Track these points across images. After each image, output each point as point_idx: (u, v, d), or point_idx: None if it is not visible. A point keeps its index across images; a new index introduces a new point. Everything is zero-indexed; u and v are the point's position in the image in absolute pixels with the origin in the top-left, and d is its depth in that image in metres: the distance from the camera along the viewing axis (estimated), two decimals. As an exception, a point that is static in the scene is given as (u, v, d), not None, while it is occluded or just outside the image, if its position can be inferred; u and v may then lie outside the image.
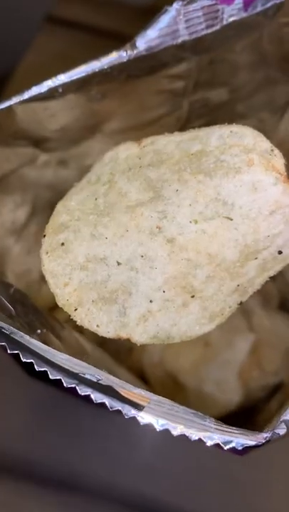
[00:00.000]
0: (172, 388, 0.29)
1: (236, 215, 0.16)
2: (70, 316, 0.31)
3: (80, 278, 0.17)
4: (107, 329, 0.18)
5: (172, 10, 0.16)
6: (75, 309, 0.18)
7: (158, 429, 0.15)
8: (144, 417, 0.15)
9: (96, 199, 0.18)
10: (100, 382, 0.15)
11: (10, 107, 0.18)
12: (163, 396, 0.29)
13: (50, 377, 0.14)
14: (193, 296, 0.17)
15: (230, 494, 0.28)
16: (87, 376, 0.15)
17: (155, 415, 0.15)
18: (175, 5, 0.16)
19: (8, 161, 0.23)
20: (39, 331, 0.18)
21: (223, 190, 0.16)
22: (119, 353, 0.31)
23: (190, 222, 0.16)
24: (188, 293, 0.17)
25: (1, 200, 0.24)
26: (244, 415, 0.29)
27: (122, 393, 0.15)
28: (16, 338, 0.15)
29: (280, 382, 0.29)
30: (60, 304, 0.18)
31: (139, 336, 0.18)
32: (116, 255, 0.17)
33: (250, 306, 0.31)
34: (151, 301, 0.17)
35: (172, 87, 0.21)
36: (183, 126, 0.24)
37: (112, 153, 0.18)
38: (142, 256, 0.17)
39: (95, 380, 0.15)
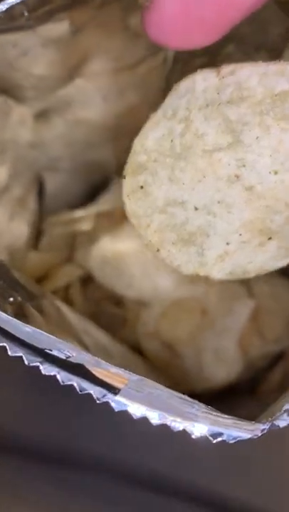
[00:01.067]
0: (169, 359, 0.28)
1: None
2: (58, 286, 0.30)
3: (160, 220, 0.18)
4: (186, 268, 0.18)
5: None
6: (157, 250, 0.18)
7: (135, 417, 0.13)
8: (119, 402, 0.13)
9: (172, 140, 0.17)
10: (69, 359, 0.13)
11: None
12: (160, 368, 0.28)
13: (10, 353, 0.13)
14: (270, 238, 0.17)
15: (231, 468, 0.27)
16: (55, 352, 0.13)
17: (133, 400, 0.13)
18: None
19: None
20: (11, 299, 0.16)
21: None
22: (113, 325, 0.29)
23: (269, 172, 0.16)
24: (265, 235, 0.17)
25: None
26: (246, 386, 0.28)
27: (95, 373, 0.13)
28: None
29: (281, 350, 0.28)
30: (144, 245, 0.19)
31: (217, 273, 0.18)
32: (194, 200, 0.17)
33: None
34: (228, 244, 0.17)
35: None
36: (172, 69, 0.22)
37: (189, 82, 0.17)
38: (219, 202, 0.17)
39: (64, 357, 0.13)
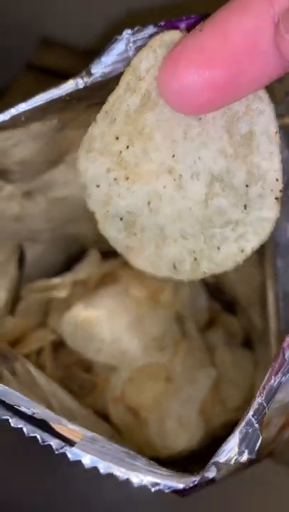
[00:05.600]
0: (134, 424, 0.29)
1: None
2: (30, 350, 0.30)
3: None
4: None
5: (122, 38, 0.17)
6: None
7: (86, 466, 0.15)
8: (74, 453, 0.15)
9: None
10: (34, 415, 0.15)
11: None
12: (125, 433, 0.28)
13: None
14: None
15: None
16: (23, 409, 0.15)
17: (86, 452, 0.15)
18: (125, 34, 0.17)
19: None
20: (-14, 362, 0.18)
21: None
22: (83, 389, 0.30)
23: None
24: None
25: None
26: (207, 452, 0.29)
27: (56, 428, 0.15)
28: None
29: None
30: None
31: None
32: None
33: (213, 342, 0.31)
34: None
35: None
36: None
37: None
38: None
39: (30, 414, 0.15)
